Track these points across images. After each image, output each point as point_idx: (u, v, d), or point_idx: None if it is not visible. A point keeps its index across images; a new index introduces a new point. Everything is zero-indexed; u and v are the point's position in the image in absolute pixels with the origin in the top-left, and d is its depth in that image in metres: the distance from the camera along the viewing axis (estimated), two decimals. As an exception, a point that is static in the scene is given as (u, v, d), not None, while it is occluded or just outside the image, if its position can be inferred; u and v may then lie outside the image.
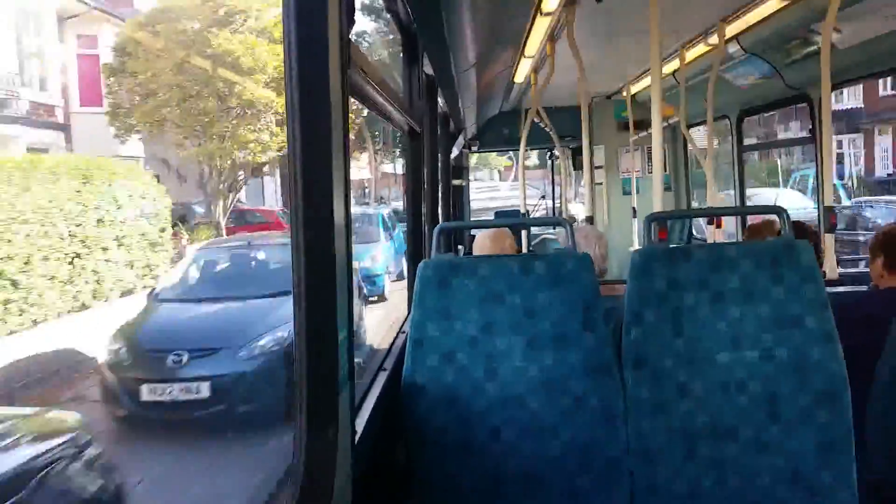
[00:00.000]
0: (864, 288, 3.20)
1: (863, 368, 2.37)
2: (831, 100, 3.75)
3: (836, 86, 3.98)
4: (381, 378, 2.23)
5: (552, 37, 4.19)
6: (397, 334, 2.84)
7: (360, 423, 1.76)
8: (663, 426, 2.10)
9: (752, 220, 4.95)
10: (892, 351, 2.41)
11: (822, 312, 2.12)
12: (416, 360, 2.14)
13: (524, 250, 5.63)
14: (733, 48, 4.46)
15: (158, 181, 14.72)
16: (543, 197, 12.01)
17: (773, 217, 3.55)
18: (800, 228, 3.67)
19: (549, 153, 9.96)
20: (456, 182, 7.87)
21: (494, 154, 44.02)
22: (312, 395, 1.33)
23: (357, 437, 1.61)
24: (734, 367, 2.11)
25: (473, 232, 6.66)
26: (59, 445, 4.84)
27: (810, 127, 4.59)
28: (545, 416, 2.11)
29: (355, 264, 9.34)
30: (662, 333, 2.13)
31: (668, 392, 2.11)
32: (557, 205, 9.71)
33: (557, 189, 9.67)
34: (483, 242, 3.39)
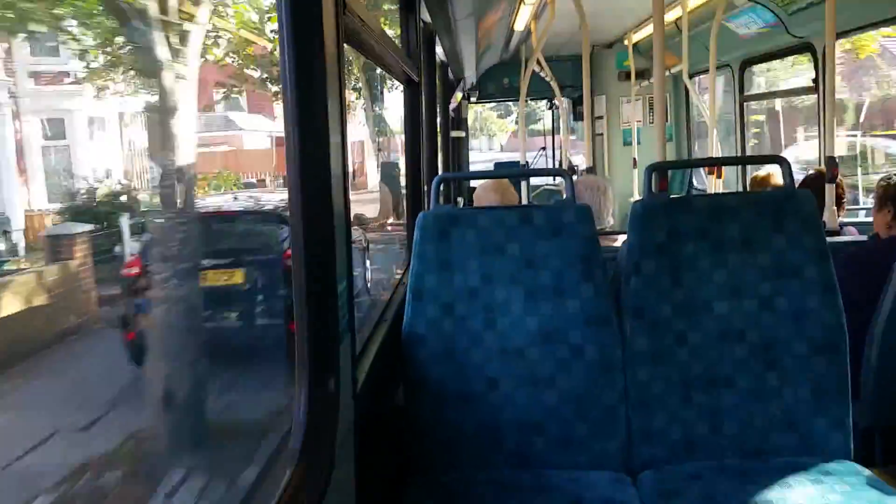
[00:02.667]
0: (863, 238, 3.19)
1: (860, 318, 2.39)
2: (835, 48, 3.70)
3: (841, 34, 3.92)
4: (382, 329, 2.24)
5: None
6: (397, 285, 2.84)
7: (361, 374, 1.78)
8: (661, 375, 2.12)
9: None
10: (889, 301, 2.43)
11: (822, 262, 2.12)
12: (415, 311, 2.15)
13: (524, 201, 5.62)
14: (737, -5, 4.38)
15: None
16: (543, 148, 11.93)
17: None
18: (811, 178, 3.68)
19: (549, 103, 9.85)
20: (455, 133, 7.80)
21: (494, 116, 42.17)
22: (313, 346, 1.34)
23: (358, 387, 1.63)
24: (733, 316, 2.12)
25: (473, 184, 6.64)
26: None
27: (813, 77, 4.54)
28: (543, 366, 2.13)
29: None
30: (661, 283, 2.13)
31: (666, 341, 2.12)
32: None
33: (558, 140, 9.60)
34: (483, 193, 3.36)
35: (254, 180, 19.08)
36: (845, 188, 3.71)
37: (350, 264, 1.53)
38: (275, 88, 18.49)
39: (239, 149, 21.38)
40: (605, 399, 2.12)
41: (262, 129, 22.83)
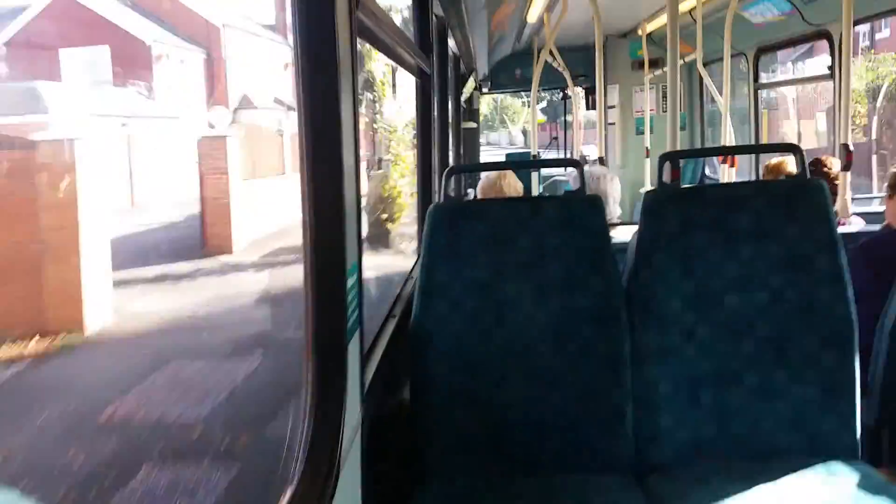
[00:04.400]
0: (875, 227, 3.16)
1: (868, 311, 2.36)
2: (851, 36, 3.67)
3: (857, 21, 3.88)
4: (390, 325, 2.22)
5: None
6: (405, 280, 2.83)
7: (369, 373, 1.76)
8: (668, 373, 2.09)
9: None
10: None
11: (833, 253, 2.09)
12: (424, 306, 2.12)
13: (535, 192, 5.61)
14: (752, -17, 4.35)
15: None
16: (555, 138, 11.86)
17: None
18: (819, 165, 3.64)
19: (560, 93, 9.80)
20: (466, 125, 7.79)
21: (518, 104, 39.89)
22: (321, 344, 1.33)
23: (366, 387, 1.62)
24: (742, 309, 2.09)
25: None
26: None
27: (829, 64, 4.50)
28: (552, 363, 2.11)
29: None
30: (672, 276, 2.11)
31: (675, 337, 2.09)
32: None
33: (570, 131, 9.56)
34: (487, 185, 3.33)
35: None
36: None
37: (360, 261, 1.53)
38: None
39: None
40: (613, 398, 2.09)
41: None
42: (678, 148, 3.27)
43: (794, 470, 1.99)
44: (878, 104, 16.02)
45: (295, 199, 1.38)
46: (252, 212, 12.05)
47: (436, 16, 3.29)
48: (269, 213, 12.40)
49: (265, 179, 13.55)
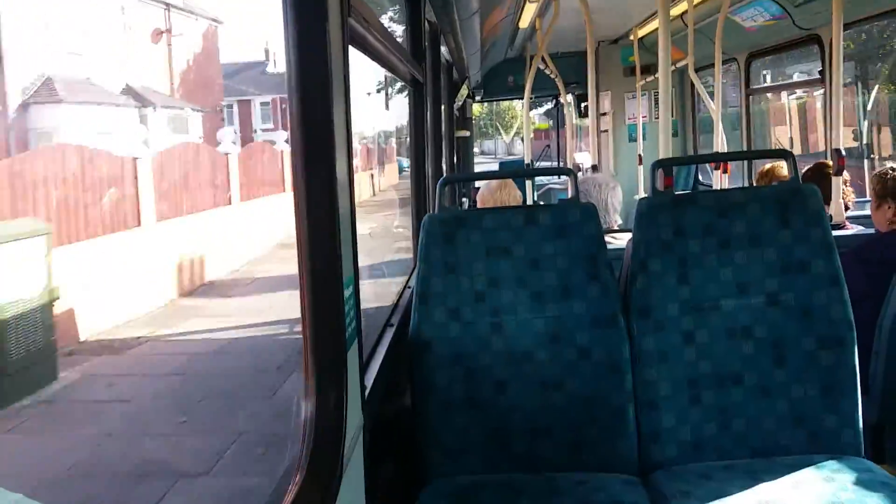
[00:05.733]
0: (870, 230, 3.17)
1: (868, 312, 2.37)
2: (842, 40, 3.68)
3: (848, 25, 3.89)
4: (389, 334, 2.23)
5: None
6: (403, 289, 2.83)
7: (369, 380, 1.77)
8: (668, 375, 2.10)
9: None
10: None
11: (829, 256, 2.10)
12: (421, 315, 2.14)
13: (529, 201, 5.61)
14: (742, -12, 4.37)
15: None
16: (548, 146, 11.89)
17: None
18: (816, 170, 3.64)
19: (553, 101, 9.83)
20: (460, 133, 7.80)
21: (518, 107, 39.09)
22: (320, 354, 1.33)
23: (366, 395, 1.62)
24: (739, 313, 2.11)
25: (478, 185, 6.63)
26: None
27: (820, 69, 4.52)
28: (551, 368, 2.12)
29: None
30: (668, 282, 2.12)
31: (674, 341, 2.11)
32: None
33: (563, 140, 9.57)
34: (487, 194, 3.36)
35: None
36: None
37: (356, 269, 1.52)
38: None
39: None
40: (614, 400, 2.11)
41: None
42: (670, 155, 3.27)
43: (797, 467, 1.99)
44: (869, 106, 16.11)
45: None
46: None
47: (428, 22, 3.29)
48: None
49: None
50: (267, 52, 50.57)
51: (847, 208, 3.56)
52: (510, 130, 41.28)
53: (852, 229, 3.44)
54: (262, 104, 48.00)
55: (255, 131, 46.02)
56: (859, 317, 2.13)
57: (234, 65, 49.96)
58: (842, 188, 3.54)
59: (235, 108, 46.78)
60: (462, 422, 2.12)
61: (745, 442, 2.10)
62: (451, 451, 2.13)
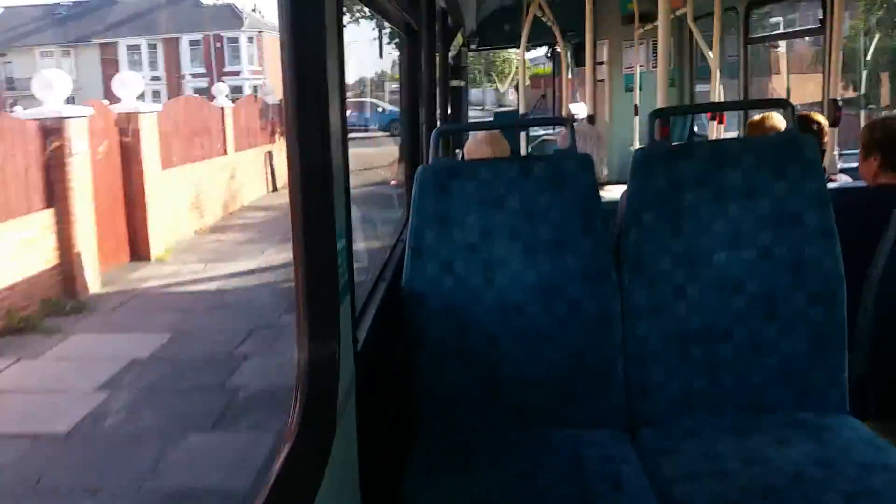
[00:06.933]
0: (861, 183, 3.16)
1: (858, 266, 2.37)
2: None
3: None
4: (381, 287, 2.24)
5: None
6: (395, 242, 2.82)
7: (362, 333, 1.78)
8: (658, 329, 2.11)
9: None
10: (888, 248, 2.41)
11: (823, 208, 2.10)
12: (414, 268, 2.14)
13: (523, 152, 5.57)
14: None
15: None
16: (544, 96, 11.76)
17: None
18: (806, 120, 3.60)
19: (549, 50, 9.68)
20: (454, 83, 7.69)
21: (512, 56, 37.38)
22: (313, 307, 1.33)
23: (358, 347, 1.63)
24: (731, 266, 2.11)
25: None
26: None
27: (820, 17, 4.45)
28: (542, 322, 2.13)
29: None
30: (661, 234, 2.12)
31: (665, 295, 2.11)
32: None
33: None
34: (475, 146, 3.29)
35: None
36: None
37: (349, 222, 1.52)
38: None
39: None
40: (604, 354, 2.12)
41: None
42: (667, 105, 3.24)
43: (784, 424, 2.03)
44: (869, 56, 15.92)
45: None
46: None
47: None
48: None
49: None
50: (201, -22, 44.89)
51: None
52: (504, 80, 40.23)
53: (838, 181, 3.43)
54: (192, 43, 41.96)
55: (183, 76, 41.75)
56: (848, 270, 2.13)
57: (156, -7, 43.33)
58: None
59: (160, 48, 41.86)
60: (454, 375, 2.14)
61: (733, 398, 2.12)
62: (443, 405, 2.15)
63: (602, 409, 2.13)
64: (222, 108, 15.19)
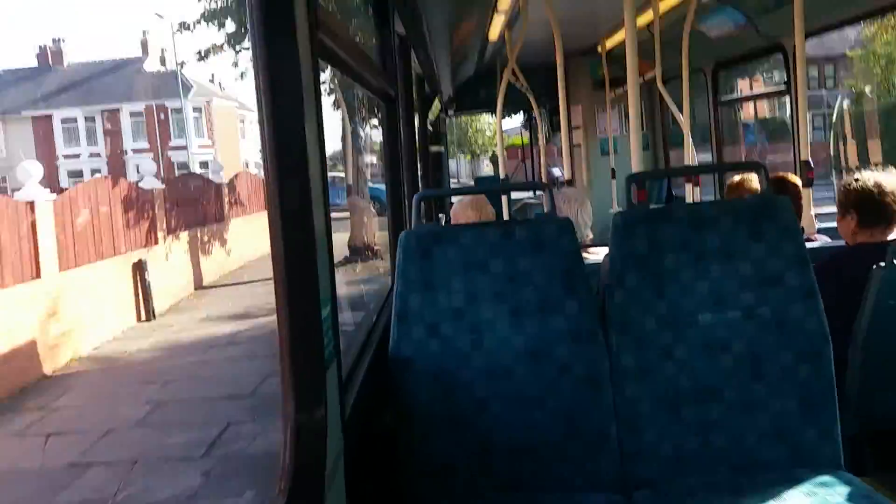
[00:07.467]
0: (841, 243, 3.21)
1: (842, 325, 2.38)
2: (805, 49, 3.71)
3: (810, 34, 3.94)
4: (368, 352, 2.20)
5: None
6: (381, 307, 2.81)
7: (349, 400, 1.74)
8: (648, 391, 2.09)
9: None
10: (870, 306, 2.43)
11: (803, 269, 2.10)
12: (401, 333, 2.11)
13: (505, 216, 5.61)
14: (706, -4, 4.41)
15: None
16: (523, 161, 11.94)
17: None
18: (781, 182, 3.66)
19: (525, 116, 9.88)
20: (434, 148, 7.80)
21: (489, 124, 36.72)
22: (299, 375, 1.30)
23: (346, 415, 1.59)
24: (717, 327, 2.10)
25: (454, 200, 6.62)
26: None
27: (786, 80, 4.57)
28: (531, 385, 2.10)
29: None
30: (645, 296, 2.11)
31: (652, 356, 2.10)
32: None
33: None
34: (461, 211, 3.35)
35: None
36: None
37: (334, 288, 1.50)
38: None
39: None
40: (595, 417, 2.09)
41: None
42: (642, 168, 3.28)
43: (780, 481, 1.99)
44: (834, 118, 16.41)
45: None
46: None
47: (398, 36, 3.28)
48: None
49: None
50: (144, 44, 42.36)
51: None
52: (478, 149, 40.36)
53: (817, 241, 3.47)
54: (134, 114, 39.07)
55: (126, 152, 38.85)
56: (833, 329, 2.13)
57: (97, 63, 41.28)
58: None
59: (99, 120, 39.25)
60: (443, 441, 2.09)
61: (726, 458, 2.09)
62: (434, 472, 2.10)
63: (596, 473, 2.09)
64: (29, 205, 9.63)
